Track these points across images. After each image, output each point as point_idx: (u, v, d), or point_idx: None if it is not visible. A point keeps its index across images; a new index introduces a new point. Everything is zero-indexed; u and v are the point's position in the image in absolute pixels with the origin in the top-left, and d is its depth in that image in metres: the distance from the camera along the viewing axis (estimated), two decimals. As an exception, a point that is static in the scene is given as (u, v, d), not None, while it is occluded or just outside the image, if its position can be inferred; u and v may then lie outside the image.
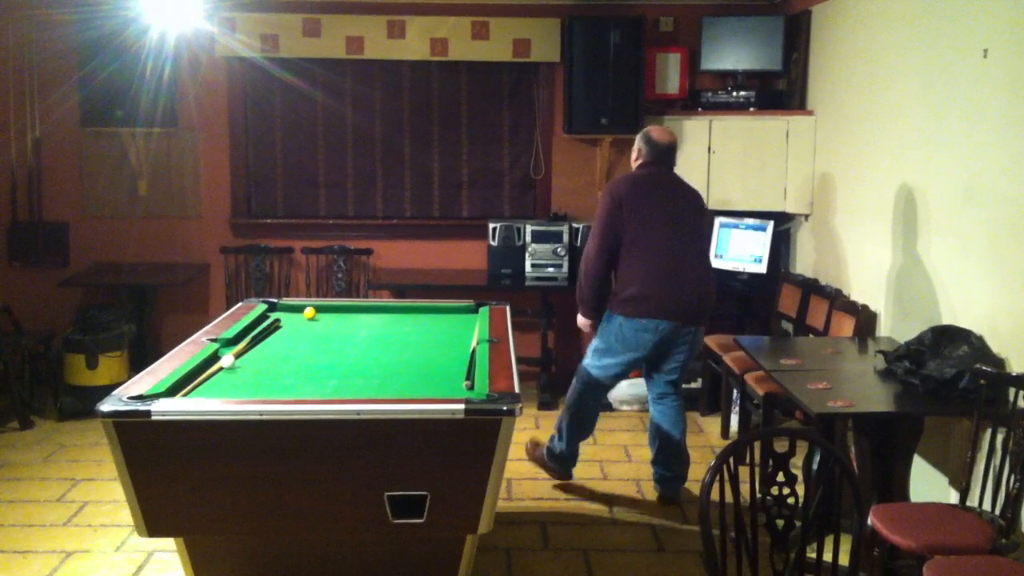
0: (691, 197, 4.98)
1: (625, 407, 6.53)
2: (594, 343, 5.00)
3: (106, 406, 3.11)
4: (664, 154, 4.91)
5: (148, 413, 3.09)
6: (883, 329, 5.18)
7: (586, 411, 5.07)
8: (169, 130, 6.90)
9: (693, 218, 4.92)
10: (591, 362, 4.98)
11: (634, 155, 5.01)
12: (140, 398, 3.20)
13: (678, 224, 4.84)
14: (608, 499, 5.03)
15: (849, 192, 5.71)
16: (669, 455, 5.01)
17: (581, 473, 5.33)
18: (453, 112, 7.20)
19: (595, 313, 4.94)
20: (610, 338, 4.87)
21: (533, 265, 6.73)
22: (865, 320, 5.25)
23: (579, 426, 5.10)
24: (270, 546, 3.45)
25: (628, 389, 6.50)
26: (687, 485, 5.09)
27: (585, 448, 5.74)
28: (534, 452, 5.31)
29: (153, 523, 3.21)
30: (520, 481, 5.22)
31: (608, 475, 5.36)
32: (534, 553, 4.42)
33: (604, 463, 5.53)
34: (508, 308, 4.86)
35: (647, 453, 5.67)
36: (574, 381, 5.09)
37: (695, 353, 5.02)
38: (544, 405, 6.55)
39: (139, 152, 6.93)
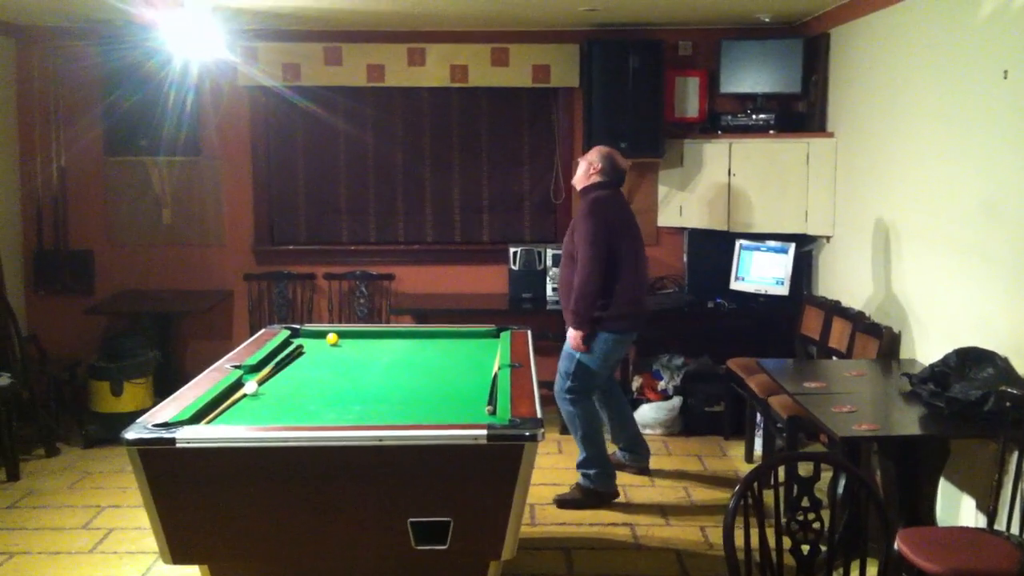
0: (634, 219, 5.46)
1: (648, 431, 6.49)
2: (570, 364, 5.20)
3: (131, 434, 3.14)
4: (623, 178, 5.36)
5: (173, 440, 3.11)
6: (907, 351, 5.15)
7: (595, 426, 5.33)
8: (192, 159, 6.96)
9: (641, 237, 5.41)
10: (579, 385, 5.23)
11: (589, 169, 5.24)
12: (165, 425, 3.22)
13: (639, 241, 5.35)
14: (632, 524, 5.01)
15: (871, 213, 5.69)
16: (633, 435, 5.60)
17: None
18: (473, 138, 7.24)
19: (591, 327, 5.15)
20: (597, 356, 5.18)
21: (554, 289, 6.73)
22: (889, 342, 5.22)
23: (596, 442, 5.27)
24: (293, 573, 3.45)
25: (652, 413, 6.47)
26: (713, 509, 5.06)
27: (608, 473, 5.73)
28: (566, 498, 5.26)
29: (178, 550, 3.22)
30: (544, 506, 5.20)
31: (632, 499, 5.33)
32: (558, 579, 4.40)
33: (627, 487, 5.50)
34: (529, 333, 4.87)
35: (672, 476, 5.67)
36: (567, 409, 5.28)
37: None
38: (566, 430, 6.52)
39: (162, 180, 6.99)
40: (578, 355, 5.17)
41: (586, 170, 5.26)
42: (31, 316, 7.03)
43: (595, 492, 5.23)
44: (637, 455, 5.66)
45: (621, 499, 5.31)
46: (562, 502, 5.23)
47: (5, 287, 6.49)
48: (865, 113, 5.79)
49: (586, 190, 5.26)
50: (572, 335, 5.18)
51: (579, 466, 5.28)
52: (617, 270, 5.12)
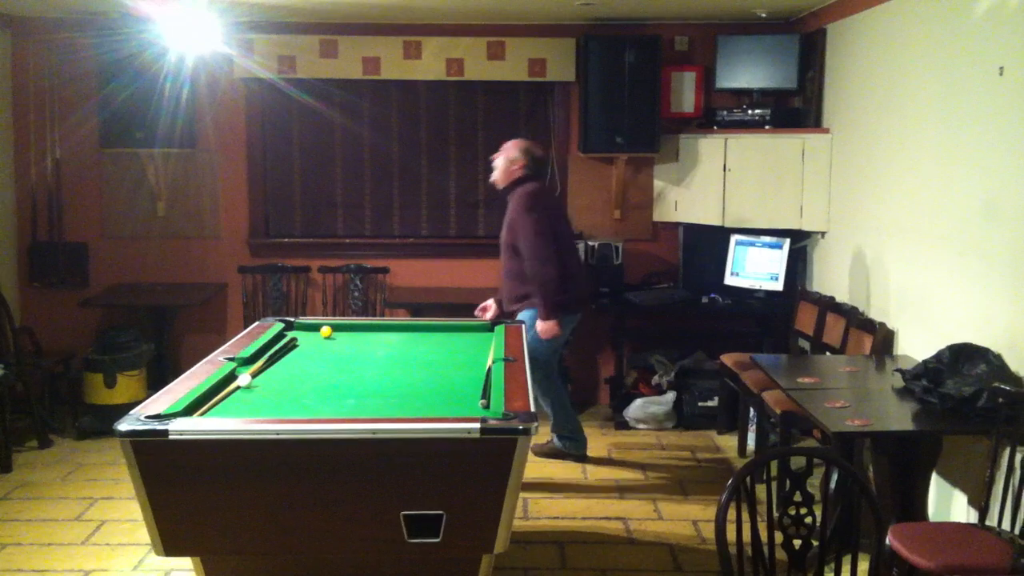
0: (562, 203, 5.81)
1: (641, 426, 6.51)
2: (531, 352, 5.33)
3: (124, 425, 3.13)
4: (545, 168, 5.69)
5: (165, 432, 3.11)
6: (901, 347, 5.16)
7: (563, 400, 5.66)
8: (187, 151, 6.95)
9: (569, 221, 5.81)
10: (543, 372, 5.46)
11: (513, 164, 5.48)
12: (157, 417, 3.22)
13: (570, 226, 5.76)
14: (625, 518, 5.01)
15: (866, 209, 5.70)
16: (574, 423, 5.80)
17: (597, 492, 5.33)
18: (469, 131, 7.24)
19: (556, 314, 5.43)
20: (549, 340, 5.45)
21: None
22: (883, 338, 5.23)
23: (563, 403, 5.69)
24: (287, 566, 3.45)
25: (646, 408, 6.49)
26: (706, 504, 5.08)
27: (602, 467, 5.74)
28: (544, 448, 5.76)
29: (170, 542, 3.21)
30: (537, 500, 5.21)
31: (625, 494, 5.34)
32: (552, 573, 4.40)
33: (620, 482, 5.51)
34: (524, 327, 4.89)
35: (665, 471, 5.68)
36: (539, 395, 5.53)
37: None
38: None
39: (158, 173, 6.98)
40: (536, 343, 5.33)
41: (507, 167, 5.45)
42: (25, 308, 7.02)
43: (567, 455, 5.78)
44: (576, 442, 5.82)
45: (614, 494, 5.32)
46: (540, 452, 5.74)
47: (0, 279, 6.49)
48: (861, 109, 5.79)
49: (512, 185, 5.47)
50: (544, 326, 5.36)
51: (553, 429, 5.72)
52: (559, 257, 5.39)
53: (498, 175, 5.56)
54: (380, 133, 7.20)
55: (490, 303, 5.67)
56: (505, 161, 5.49)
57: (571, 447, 5.79)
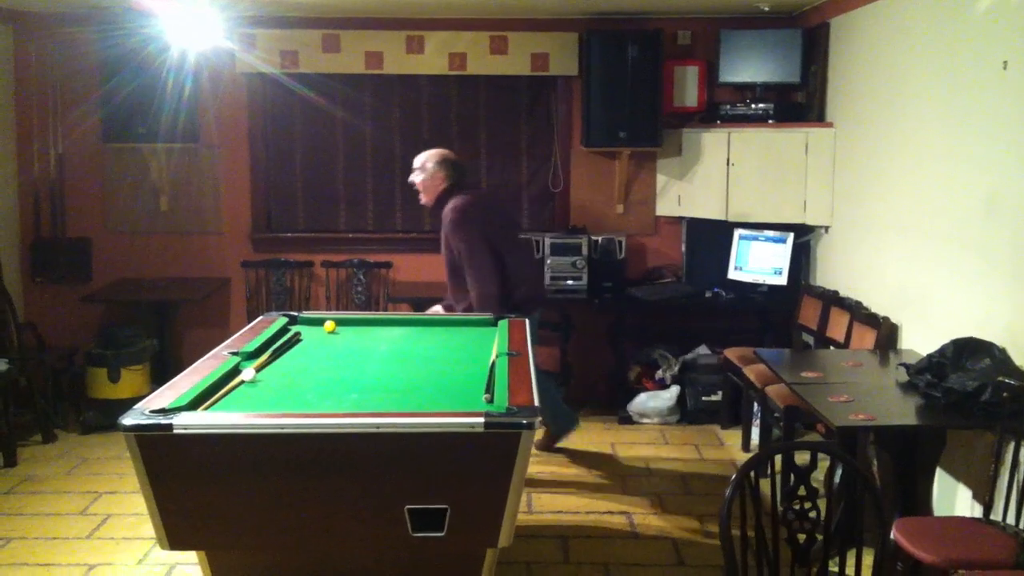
0: (500, 202, 5.71)
1: (646, 420, 6.51)
2: None
3: (128, 420, 3.13)
4: (465, 172, 5.38)
5: (170, 427, 3.11)
6: (905, 342, 5.16)
7: (545, 385, 5.56)
8: (190, 146, 6.95)
9: (513, 219, 5.83)
10: None
11: (434, 180, 5.21)
12: (162, 411, 3.22)
13: (514, 226, 5.72)
14: (629, 512, 5.02)
15: (869, 204, 5.69)
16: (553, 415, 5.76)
17: (601, 487, 5.34)
18: (472, 126, 7.23)
19: None
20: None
21: (552, 278, 6.72)
22: (886, 333, 5.22)
23: (551, 396, 5.61)
24: (291, 560, 3.45)
25: (649, 403, 6.49)
26: (710, 498, 5.08)
27: (605, 461, 5.75)
28: (541, 441, 5.76)
29: (174, 536, 3.21)
30: (540, 494, 5.22)
31: (628, 488, 5.35)
32: (555, 567, 4.41)
33: (625, 476, 5.52)
34: (527, 321, 4.87)
35: (668, 465, 5.69)
36: None
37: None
38: (564, 418, 6.54)
39: (160, 168, 6.98)
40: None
41: (429, 184, 5.23)
42: (29, 304, 7.02)
43: (556, 437, 5.84)
44: (567, 418, 5.87)
45: (618, 488, 5.33)
46: (541, 448, 5.75)
47: (3, 275, 6.49)
48: (864, 103, 5.78)
49: (440, 201, 5.23)
50: None
51: (543, 423, 5.64)
52: (505, 262, 5.21)
53: (424, 197, 5.30)
54: (382, 128, 7.19)
55: (438, 308, 5.57)
56: (425, 178, 5.23)
57: (565, 425, 5.82)
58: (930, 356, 4.17)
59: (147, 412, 3.20)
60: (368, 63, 6.92)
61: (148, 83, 6.49)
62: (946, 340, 4.23)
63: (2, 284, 6.29)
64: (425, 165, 5.26)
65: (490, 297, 5.11)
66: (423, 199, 5.35)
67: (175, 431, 3.10)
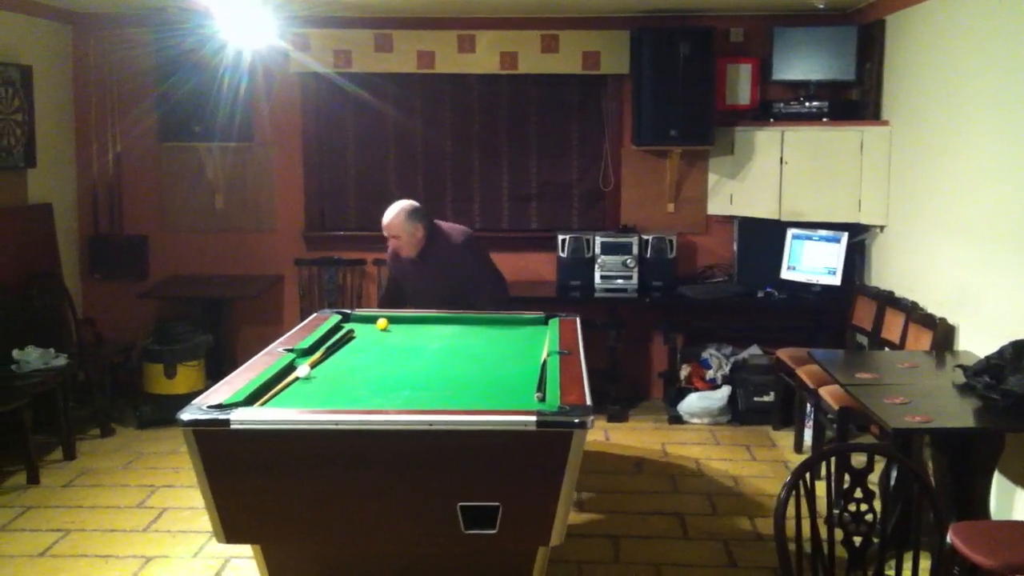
0: None
1: (696, 420, 6.48)
2: None
3: (186, 415, 3.18)
4: (424, 208, 5.54)
5: (227, 422, 3.15)
6: (961, 343, 5.08)
7: None
8: (245, 145, 7.03)
9: None
10: None
11: (416, 234, 5.32)
12: (219, 407, 3.27)
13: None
14: (679, 513, 4.99)
15: (926, 203, 5.61)
16: None
17: (651, 487, 5.32)
18: (522, 125, 7.24)
19: None
20: None
21: (602, 277, 6.71)
22: (942, 334, 5.15)
23: None
24: (344, 554, 3.49)
25: (700, 403, 6.45)
26: (762, 500, 5.03)
27: (656, 462, 5.73)
28: None
29: (231, 530, 3.26)
30: (591, 494, 5.21)
31: (679, 488, 5.32)
32: (605, 567, 4.40)
33: (676, 476, 5.49)
34: (578, 320, 4.87)
35: (719, 466, 5.66)
36: None
37: None
38: (614, 417, 6.53)
39: (216, 166, 7.07)
40: None
41: (410, 239, 5.32)
42: (87, 300, 7.16)
43: None
44: None
45: (668, 488, 5.30)
46: None
47: (62, 271, 6.62)
48: (921, 101, 5.70)
49: (431, 242, 5.35)
50: None
51: None
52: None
53: (410, 251, 5.39)
54: (433, 127, 7.22)
55: None
56: (406, 238, 5.34)
57: None
58: (988, 358, 4.10)
59: (205, 407, 3.25)
60: (420, 62, 6.95)
61: (204, 83, 6.56)
62: (1004, 341, 4.16)
63: (61, 280, 6.42)
64: (401, 230, 5.33)
65: (507, 291, 5.66)
66: (410, 253, 5.40)
67: (232, 426, 3.15)
